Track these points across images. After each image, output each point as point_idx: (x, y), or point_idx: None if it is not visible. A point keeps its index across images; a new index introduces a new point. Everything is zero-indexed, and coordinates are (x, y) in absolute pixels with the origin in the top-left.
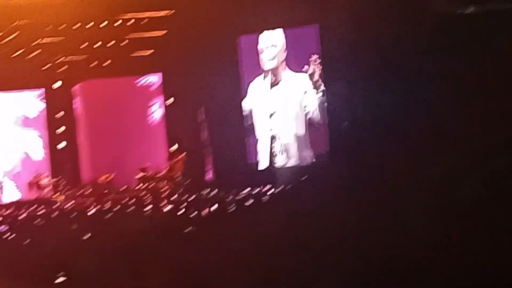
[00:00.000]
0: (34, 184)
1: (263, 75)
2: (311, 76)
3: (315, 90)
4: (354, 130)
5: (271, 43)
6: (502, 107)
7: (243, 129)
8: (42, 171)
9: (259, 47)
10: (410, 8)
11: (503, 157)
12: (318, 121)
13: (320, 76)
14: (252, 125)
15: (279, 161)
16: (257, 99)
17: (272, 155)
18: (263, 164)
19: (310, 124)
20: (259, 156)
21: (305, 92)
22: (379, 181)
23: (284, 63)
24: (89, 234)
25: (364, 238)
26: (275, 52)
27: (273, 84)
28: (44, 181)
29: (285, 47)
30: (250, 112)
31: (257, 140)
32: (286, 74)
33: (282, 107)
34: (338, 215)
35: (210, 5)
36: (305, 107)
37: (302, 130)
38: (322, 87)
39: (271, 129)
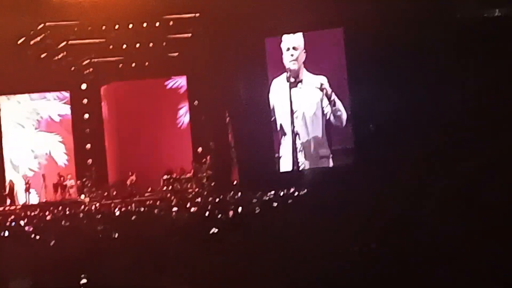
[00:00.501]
0: (59, 186)
1: (286, 74)
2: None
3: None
4: (378, 133)
5: (293, 45)
6: None
7: (269, 130)
8: (67, 172)
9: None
10: (434, 11)
11: None
12: (336, 123)
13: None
14: (275, 121)
15: (302, 162)
16: (279, 98)
17: (295, 153)
18: (286, 162)
19: (329, 125)
20: (281, 152)
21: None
22: (402, 184)
23: (303, 65)
24: (115, 235)
25: (388, 240)
26: (296, 54)
27: (293, 85)
28: (69, 182)
29: (304, 50)
30: (273, 109)
31: (281, 136)
32: (306, 76)
33: (302, 107)
34: (361, 217)
35: (236, 7)
36: (323, 108)
37: (320, 131)
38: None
39: (293, 127)
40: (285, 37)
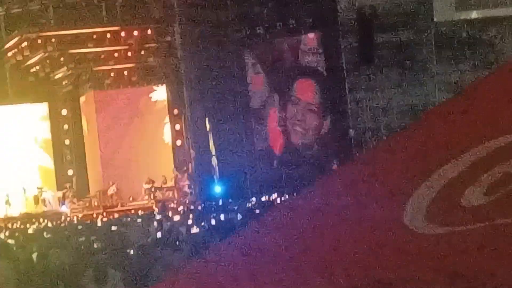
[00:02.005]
0: (39, 197)
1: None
2: None
3: None
4: (361, 139)
5: None
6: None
7: (250, 137)
8: (48, 184)
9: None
10: (414, 15)
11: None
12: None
13: None
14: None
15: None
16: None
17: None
18: (270, 171)
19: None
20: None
21: None
22: (387, 191)
23: None
24: (97, 246)
25: (370, 245)
26: None
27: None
28: (49, 193)
29: None
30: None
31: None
32: None
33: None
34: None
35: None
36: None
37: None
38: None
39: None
40: None
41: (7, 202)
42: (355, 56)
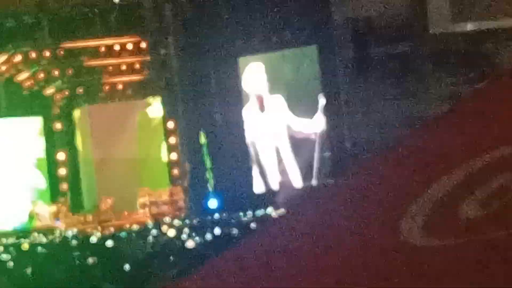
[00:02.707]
0: (33, 212)
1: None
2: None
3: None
4: (356, 153)
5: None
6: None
7: (245, 151)
8: (41, 198)
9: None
10: (411, 27)
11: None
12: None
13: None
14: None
15: (280, 182)
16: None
17: (275, 175)
18: (264, 185)
19: (303, 147)
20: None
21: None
22: (383, 204)
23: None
24: (92, 261)
25: (366, 260)
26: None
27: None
28: (42, 208)
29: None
30: (250, 135)
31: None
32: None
33: (276, 131)
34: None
35: (209, 26)
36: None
37: (297, 153)
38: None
39: (271, 151)
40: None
41: None
42: (350, 68)
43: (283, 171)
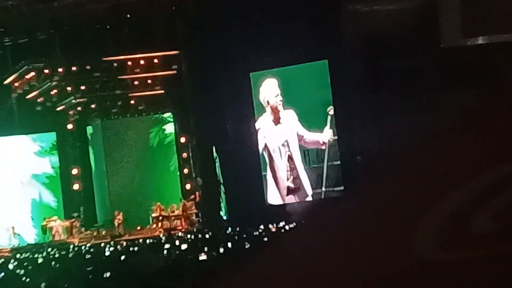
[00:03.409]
0: (47, 226)
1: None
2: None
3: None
4: (367, 165)
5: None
6: None
7: (257, 164)
8: (54, 213)
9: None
10: (420, 40)
11: None
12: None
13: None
14: (264, 159)
15: (292, 196)
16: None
17: (286, 189)
18: (276, 198)
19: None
20: (270, 185)
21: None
22: (393, 218)
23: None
24: (106, 275)
25: (378, 273)
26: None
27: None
28: (55, 223)
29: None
30: (264, 146)
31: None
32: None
33: (288, 142)
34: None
35: (220, 42)
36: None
37: (309, 165)
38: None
39: (282, 163)
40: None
41: (14, 232)
42: (361, 82)
43: (294, 180)
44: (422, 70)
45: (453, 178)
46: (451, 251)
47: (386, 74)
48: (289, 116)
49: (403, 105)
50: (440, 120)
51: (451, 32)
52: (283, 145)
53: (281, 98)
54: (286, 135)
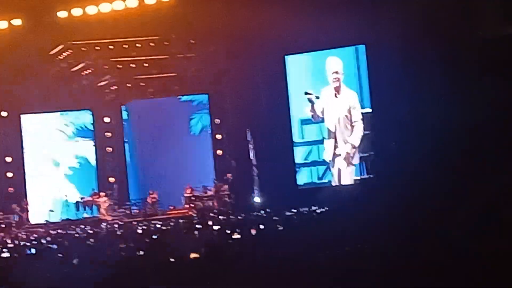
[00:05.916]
0: (90, 203)
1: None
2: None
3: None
4: (401, 151)
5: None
6: None
7: (290, 148)
8: (88, 191)
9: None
10: (457, 29)
11: None
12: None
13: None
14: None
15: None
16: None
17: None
18: (306, 178)
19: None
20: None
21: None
22: (424, 203)
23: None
24: (138, 253)
25: (407, 259)
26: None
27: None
28: (102, 199)
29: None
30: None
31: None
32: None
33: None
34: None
35: (255, 24)
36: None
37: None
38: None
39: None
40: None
41: (49, 209)
42: (398, 69)
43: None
44: (460, 60)
45: (487, 170)
46: (483, 242)
47: (423, 61)
48: (349, 94)
49: (440, 94)
50: (478, 110)
51: (491, 20)
52: (337, 116)
53: (342, 75)
54: (342, 108)
